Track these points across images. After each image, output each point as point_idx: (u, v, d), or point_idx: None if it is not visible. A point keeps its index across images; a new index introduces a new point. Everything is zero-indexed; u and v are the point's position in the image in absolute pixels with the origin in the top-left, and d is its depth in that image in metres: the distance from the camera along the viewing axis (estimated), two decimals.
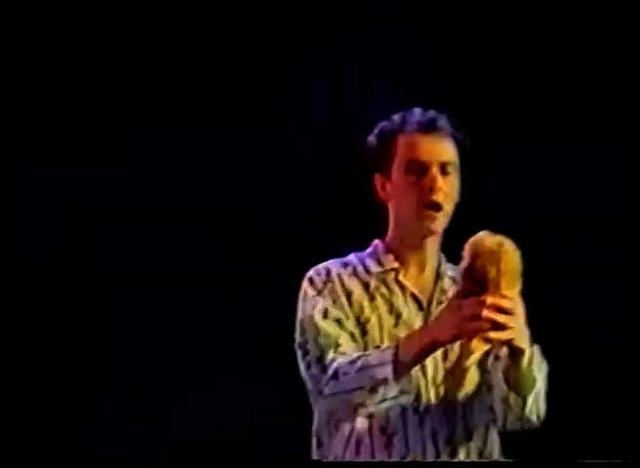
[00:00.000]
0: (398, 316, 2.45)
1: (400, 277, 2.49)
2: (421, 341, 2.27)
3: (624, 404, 3.86)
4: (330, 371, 2.34)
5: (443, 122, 2.49)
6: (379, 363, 2.28)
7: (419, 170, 2.45)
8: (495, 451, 2.47)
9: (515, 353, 2.29)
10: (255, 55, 3.83)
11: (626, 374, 3.85)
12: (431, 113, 2.50)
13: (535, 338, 2.30)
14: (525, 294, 2.25)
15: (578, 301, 3.85)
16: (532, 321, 2.27)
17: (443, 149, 2.47)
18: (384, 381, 2.27)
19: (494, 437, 2.48)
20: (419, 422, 2.39)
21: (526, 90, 3.87)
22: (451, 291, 2.46)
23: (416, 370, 2.34)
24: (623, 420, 3.84)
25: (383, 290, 2.48)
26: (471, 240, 2.26)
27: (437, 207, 2.44)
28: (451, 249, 2.44)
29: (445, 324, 2.25)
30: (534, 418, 2.41)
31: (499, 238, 2.25)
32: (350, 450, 2.41)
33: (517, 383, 2.34)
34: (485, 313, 2.18)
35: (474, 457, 2.43)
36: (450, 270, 2.52)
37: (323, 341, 2.39)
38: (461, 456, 2.41)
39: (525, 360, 2.29)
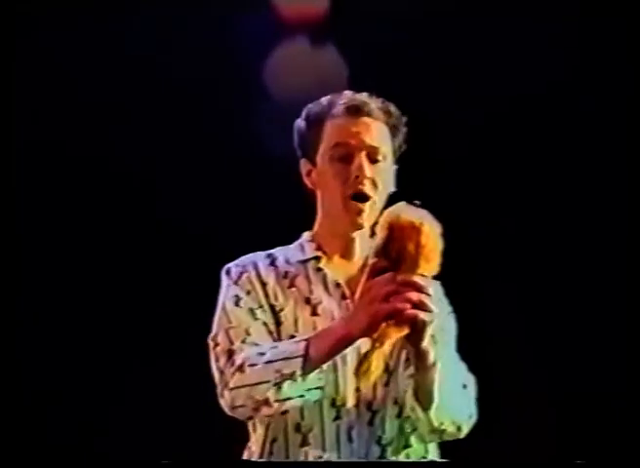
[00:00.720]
0: (317, 304, 2.29)
1: (322, 265, 2.35)
2: (334, 335, 2.11)
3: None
4: (237, 362, 2.18)
5: (374, 106, 2.32)
6: (287, 356, 2.13)
7: (344, 156, 2.30)
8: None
9: (420, 354, 2.10)
10: None
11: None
12: (362, 96, 2.35)
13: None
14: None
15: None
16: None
17: (372, 134, 2.31)
18: (291, 376, 2.12)
19: (431, 446, 2.30)
20: (335, 416, 2.23)
21: None
22: None
23: (334, 359, 2.16)
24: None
25: (301, 278, 2.33)
26: (387, 211, 2.08)
27: (364, 197, 2.28)
28: None
29: (356, 312, 2.07)
30: (451, 430, 2.25)
31: (419, 211, 2.05)
32: (266, 451, 2.27)
33: (419, 392, 2.18)
34: (397, 292, 1.99)
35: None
36: None
37: (233, 331, 2.24)
38: (393, 459, 2.23)
39: (429, 361, 2.11)
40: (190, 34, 3.75)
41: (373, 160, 2.30)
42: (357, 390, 2.23)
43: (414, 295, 2.00)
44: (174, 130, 3.83)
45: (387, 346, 2.06)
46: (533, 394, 3.72)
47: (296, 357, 2.12)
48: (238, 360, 2.19)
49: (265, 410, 2.17)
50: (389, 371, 2.25)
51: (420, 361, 2.13)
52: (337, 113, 2.32)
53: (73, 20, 3.79)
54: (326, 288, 2.33)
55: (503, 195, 3.80)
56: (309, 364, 2.13)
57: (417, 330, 2.05)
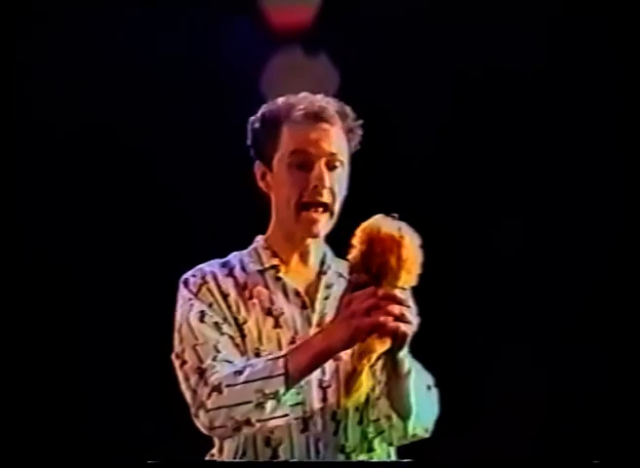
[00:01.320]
0: (279, 315, 2.28)
1: (281, 274, 2.33)
2: (313, 349, 2.09)
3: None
4: (212, 382, 2.15)
5: (332, 111, 2.29)
6: (268, 375, 2.10)
7: (303, 163, 2.26)
8: None
9: (397, 363, 2.12)
10: None
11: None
12: (320, 100, 2.31)
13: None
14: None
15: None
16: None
17: (331, 140, 2.27)
18: (274, 396, 2.10)
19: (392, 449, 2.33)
20: (302, 428, 2.23)
21: None
22: (337, 284, 2.30)
23: None
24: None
25: (261, 289, 2.31)
26: (365, 224, 2.05)
27: (322, 206, 2.26)
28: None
29: (337, 326, 2.06)
30: (420, 434, 2.28)
31: (397, 222, 2.04)
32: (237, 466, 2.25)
33: (396, 402, 2.18)
34: (378, 306, 1.99)
35: None
36: (335, 264, 2.36)
37: (201, 348, 2.21)
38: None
39: (404, 370, 2.13)
40: (182, 39, 3.75)
41: (331, 167, 2.28)
42: (322, 401, 2.24)
43: (395, 309, 2.02)
44: (171, 129, 3.83)
45: (374, 360, 2.07)
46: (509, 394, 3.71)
47: (277, 375, 2.10)
48: (213, 380, 2.16)
49: (246, 430, 2.16)
50: None
51: (395, 370, 2.15)
52: (295, 119, 2.28)
53: (72, 21, 3.80)
54: (286, 296, 2.32)
55: (479, 202, 3.82)
56: (291, 380, 2.11)
57: (398, 342, 2.06)
